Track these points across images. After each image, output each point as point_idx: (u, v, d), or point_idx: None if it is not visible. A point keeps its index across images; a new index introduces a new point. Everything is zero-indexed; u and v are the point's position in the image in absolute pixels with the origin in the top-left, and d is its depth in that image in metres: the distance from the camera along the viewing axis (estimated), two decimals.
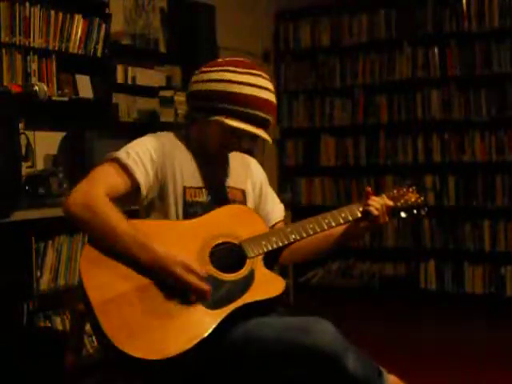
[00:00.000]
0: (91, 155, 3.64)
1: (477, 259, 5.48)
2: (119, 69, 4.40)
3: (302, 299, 5.24)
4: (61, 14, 3.76)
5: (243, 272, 1.93)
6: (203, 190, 2.07)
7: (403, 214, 2.16)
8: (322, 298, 5.56)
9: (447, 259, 5.58)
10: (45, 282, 3.44)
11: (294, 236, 2.04)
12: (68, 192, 1.98)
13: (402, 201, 2.16)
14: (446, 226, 5.59)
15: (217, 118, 2.00)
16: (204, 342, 1.78)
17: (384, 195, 2.14)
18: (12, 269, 3.10)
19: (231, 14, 5.42)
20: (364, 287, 5.84)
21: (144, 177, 1.98)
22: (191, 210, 2.02)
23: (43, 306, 3.46)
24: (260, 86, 1.99)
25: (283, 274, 2.28)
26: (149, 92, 4.58)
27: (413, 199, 2.18)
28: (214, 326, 1.80)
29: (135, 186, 1.98)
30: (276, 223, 2.22)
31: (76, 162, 3.67)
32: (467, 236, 5.50)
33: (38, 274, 3.39)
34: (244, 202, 2.16)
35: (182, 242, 1.91)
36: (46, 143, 3.81)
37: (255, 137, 2.02)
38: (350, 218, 2.08)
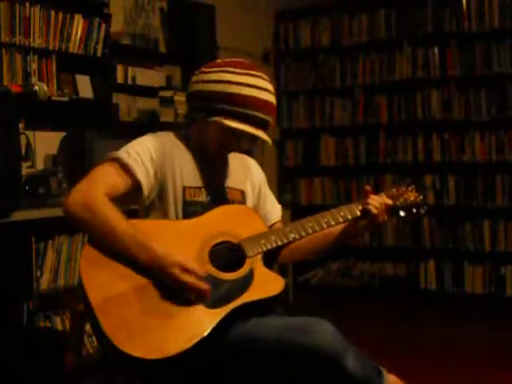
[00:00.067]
0: (91, 155, 3.64)
1: (477, 259, 5.47)
2: (119, 69, 4.40)
3: (301, 299, 5.24)
4: (61, 14, 3.76)
5: (243, 271, 1.94)
6: (202, 189, 2.07)
7: (402, 213, 2.17)
8: (322, 297, 5.56)
9: (447, 259, 5.58)
10: (45, 282, 3.44)
11: (293, 235, 2.04)
12: (68, 192, 1.98)
13: (401, 199, 2.16)
14: (445, 226, 5.59)
15: (216, 118, 2.00)
16: (203, 342, 1.78)
17: (383, 194, 2.14)
18: (12, 269, 3.10)
19: (231, 13, 5.43)
20: (364, 287, 5.84)
21: (145, 176, 1.99)
22: (190, 210, 2.02)
23: (43, 305, 3.46)
24: (259, 86, 2.00)
25: (283, 273, 2.28)
26: (149, 92, 4.58)
27: (412, 198, 2.18)
28: (213, 326, 1.80)
29: (136, 186, 1.99)
30: (274, 223, 2.23)
31: (76, 162, 3.67)
32: (467, 236, 5.50)
33: (38, 273, 3.39)
34: (243, 202, 2.16)
35: (181, 242, 1.91)
36: (45, 143, 3.82)
37: (255, 138, 2.02)
38: (350, 217, 2.08)
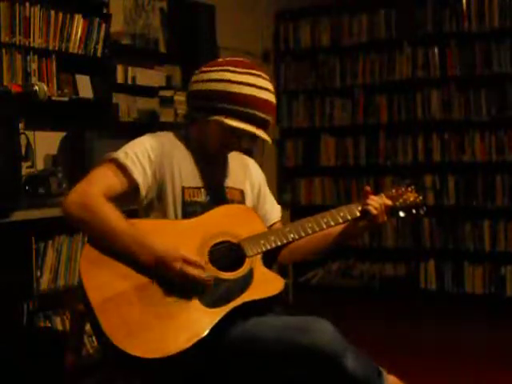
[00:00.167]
0: (91, 155, 3.64)
1: (477, 259, 5.47)
2: (119, 69, 4.40)
3: (301, 299, 5.24)
4: (61, 14, 3.76)
5: (242, 271, 1.94)
6: (202, 190, 2.07)
7: (402, 214, 2.17)
8: (322, 298, 5.56)
9: (447, 259, 5.58)
10: (45, 282, 3.44)
11: (292, 235, 2.04)
12: (67, 192, 1.98)
13: (401, 200, 2.16)
14: (445, 226, 5.59)
15: (216, 117, 2.00)
16: (203, 341, 1.78)
17: (383, 194, 2.14)
18: (12, 269, 3.10)
19: (231, 13, 5.43)
20: (364, 287, 5.84)
21: (142, 177, 1.99)
22: (190, 210, 2.02)
23: (43, 305, 3.46)
24: (260, 86, 2.00)
25: (283, 273, 2.28)
26: (149, 92, 4.58)
27: (411, 198, 2.18)
28: (213, 325, 1.81)
29: (133, 186, 1.99)
30: (274, 223, 2.23)
31: (76, 162, 3.67)
32: (467, 236, 5.49)
33: (38, 273, 3.39)
34: (242, 202, 2.16)
35: (180, 241, 1.91)
36: (45, 143, 3.81)
37: (255, 137, 2.02)
38: (349, 218, 2.08)
